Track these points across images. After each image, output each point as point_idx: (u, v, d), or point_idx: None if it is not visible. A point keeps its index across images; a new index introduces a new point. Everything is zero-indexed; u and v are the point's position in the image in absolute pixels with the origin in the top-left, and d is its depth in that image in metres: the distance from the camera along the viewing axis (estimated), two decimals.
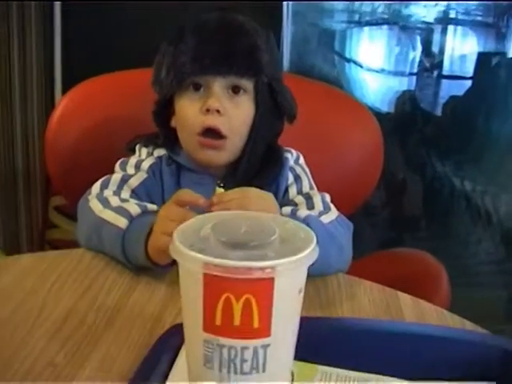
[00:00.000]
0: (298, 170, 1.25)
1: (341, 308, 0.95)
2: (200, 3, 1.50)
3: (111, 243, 1.03)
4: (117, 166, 1.23)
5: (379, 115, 2.68)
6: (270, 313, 0.56)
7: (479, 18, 2.74)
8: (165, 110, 1.22)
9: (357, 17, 2.79)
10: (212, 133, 1.15)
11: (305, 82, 1.69)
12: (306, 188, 1.23)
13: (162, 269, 0.98)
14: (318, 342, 0.76)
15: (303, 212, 1.08)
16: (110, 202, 1.09)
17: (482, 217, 2.74)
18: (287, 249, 0.57)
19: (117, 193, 1.13)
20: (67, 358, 0.78)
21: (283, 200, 1.20)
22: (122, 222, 1.03)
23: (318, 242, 0.96)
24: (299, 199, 1.19)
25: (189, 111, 1.16)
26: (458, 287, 2.36)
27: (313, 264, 0.93)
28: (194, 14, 1.20)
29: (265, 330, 0.57)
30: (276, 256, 0.56)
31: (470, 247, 2.78)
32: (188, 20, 1.18)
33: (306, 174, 1.26)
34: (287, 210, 1.10)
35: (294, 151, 1.29)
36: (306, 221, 1.04)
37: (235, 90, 1.16)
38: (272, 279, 0.55)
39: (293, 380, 0.73)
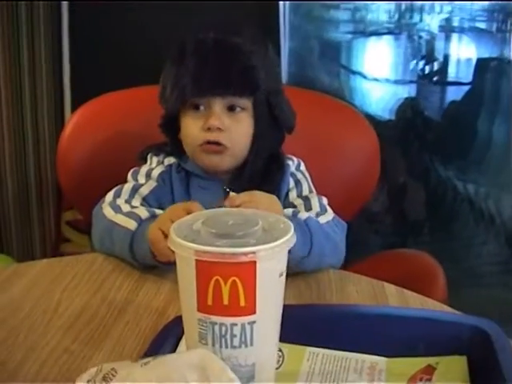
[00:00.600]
0: (299, 175, 1.34)
1: (330, 299, 1.03)
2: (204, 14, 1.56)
3: (121, 244, 1.12)
4: (129, 176, 1.32)
5: (382, 123, 2.75)
6: (255, 293, 0.65)
7: (481, 25, 2.78)
8: (172, 123, 1.30)
9: (360, 27, 2.84)
10: (214, 143, 1.24)
11: (300, 91, 1.75)
12: (305, 191, 1.31)
13: (166, 266, 1.06)
14: (307, 326, 0.85)
15: (304, 214, 1.17)
16: (122, 208, 1.18)
17: (485, 219, 2.77)
18: (268, 237, 0.66)
19: (128, 201, 1.22)
20: (82, 346, 0.88)
21: (284, 203, 1.28)
22: (132, 224, 1.12)
23: (315, 240, 1.08)
24: (298, 201, 1.27)
25: (191, 129, 1.25)
26: (464, 289, 2.42)
27: (308, 258, 1.03)
28: (194, 31, 1.26)
29: (250, 308, 0.65)
30: (257, 243, 0.64)
31: (474, 249, 2.81)
32: (188, 38, 1.25)
33: (306, 179, 1.34)
34: (289, 211, 1.18)
35: (295, 158, 1.37)
36: (306, 222, 1.13)
37: (233, 108, 1.24)
38: (254, 263, 0.64)
39: (283, 359, 0.82)
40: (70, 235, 2.43)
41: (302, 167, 1.38)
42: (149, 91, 1.69)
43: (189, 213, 1.02)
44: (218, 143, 1.24)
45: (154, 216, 1.13)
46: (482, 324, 0.83)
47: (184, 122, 1.27)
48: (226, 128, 1.23)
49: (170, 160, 1.32)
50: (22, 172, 2.39)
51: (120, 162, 1.58)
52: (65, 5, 2.32)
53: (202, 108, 1.24)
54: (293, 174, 1.33)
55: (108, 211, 1.18)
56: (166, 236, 1.02)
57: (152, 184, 1.27)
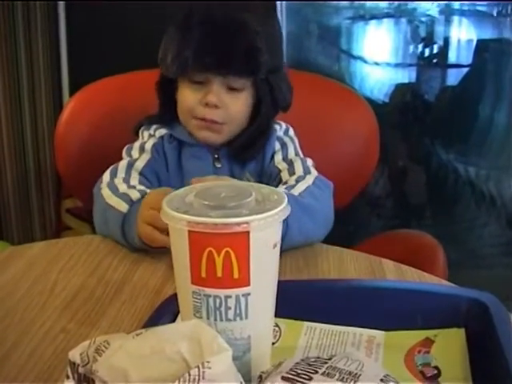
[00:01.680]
0: (286, 139, 1.34)
1: (328, 275, 1.02)
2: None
3: (114, 226, 1.12)
4: (123, 153, 1.32)
5: (381, 107, 2.75)
6: (248, 264, 0.64)
7: (482, 8, 2.77)
8: (169, 83, 1.30)
9: (359, 12, 2.84)
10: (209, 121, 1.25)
11: (298, 73, 1.74)
12: (291, 155, 1.31)
13: (157, 250, 1.07)
14: (304, 301, 0.84)
15: None
16: (119, 188, 1.17)
17: (486, 201, 2.77)
18: (261, 208, 0.65)
19: (126, 179, 1.21)
20: (78, 325, 0.87)
21: (269, 166, 1.30)
22: (124, 207, 1.12)
23: (290, 218, 1.03)
24: (282, 165, 1.28)
25: (189, 100, 1.25)
26: (465, 270, 2.42)
27: (287, 237, 1.02)
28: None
29: (244, 280, 0.65)
30: (250, 213, 0.63)
31: (476, 231, 2.81)
32: (196, 6, 1.24)
33: (292, 142, 1.35)
34: None
35: (283, 123, 1.38)
36: None
37: (232, 88, 1.24)
38: (247, 233, 0.63)
39: (280, 334, 0.81)
40: (70, 223, 2.43)
41: (291, 132, 1.38)
42: (145, 75, 1.68)
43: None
44: (214, 122, 1.24)
45: (144, 196, 1.13)
46: (480, 296, 0.82)
47: (182, 90, 1.27)
48: (223, 105, 1.23)
49: (161, 132, 1.32)
50: (21, 160, 2.39)
51: (118, 147, 1.58)
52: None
53: (202, 82, 1.24)
54: (279, 138, 1.34)
55: (105, 191, 1.18)
56: (153, 226, 1.03)
57: (146, 157, 1.28)
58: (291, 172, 1.24)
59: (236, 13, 1.22)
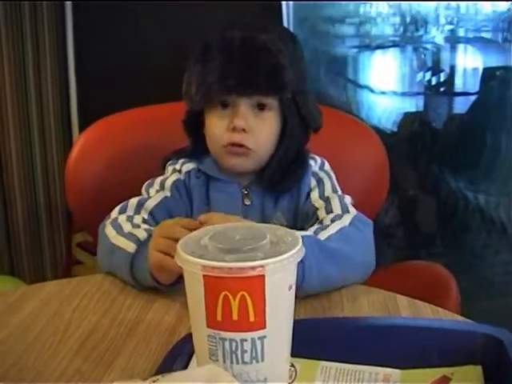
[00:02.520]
0: (322, 174, 1.31)
1: (342, 311, 1.02)
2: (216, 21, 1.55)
3: (121, 268, 1.11)
4: (143, 188, 1.31)
5: (389, 136, 2.75)
6: (264, 307, 0.64)
7: (487, 35, 2.78)
8: (196, 119, 1.30)
9: (365, 41, 2.85)
10: (238, 145, 1.23)
11: None
12: (328, 191, 1.27)
13: (167, 288, 1.06)
14: (319, 339, 0.84)
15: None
16: (123, 227, 1.16)
17: (496, 228, 2.76)
18: (276, 250, 0.65)
19: (130, 218, 1.20)
20: (92, 366, 0.87)
21: (305, 205, 1.27)
22: (131, 247, 1.10)
23: (307, 264, 1.02)
24: (319, 203, 1.24)
25: (217, 127, 1.24)
26: (478, 298, 2.41)
27: (305, 284, 1.00)
28: (219, 30, 1.24)
29: (260, 323, 0.65)
30: (265, 256, 0.64)
31: (487, 259, 2.80)
32: (213, 36, 1.23)
33: (329, 178, 1.31)
34: None
35: (318, 158, 1.35)
36: None
37: (260, 107, 1.23)
38: (263, 277, 0.63)
39: (296, 374, 0.81)
40: (81, 257, 2.43)
41: (327, 166, 1.35)
42: (155, 110, 1.72)
43: (182, 226, 1.03)
44: (241, 145, 1.22)
45: (151, 236, 1.11)
46: (495, 332, 0.82)
47: (209, 120, 1.26)
48: (250, 129, 1.22)
49: (189, 166, 1.31)
50: (32, 195, 2.39)
51: (128, 182, 1.58)
52: (68, 5, 2.33)
53: (228, 107, 1.23)
54: (315, 174, 1.30)
55: (109, 231, 1.17)
56: (166, 254, 1.02)
57: (160, 196, 1.26)
58: (328, 210, 1.20)
59: (255, 34, 1.21)
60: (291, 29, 2.35)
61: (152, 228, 1.14)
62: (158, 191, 1.28)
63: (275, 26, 1.28)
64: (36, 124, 2.36)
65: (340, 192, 1.29)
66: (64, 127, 2.43)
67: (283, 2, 2.35)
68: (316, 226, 1.14)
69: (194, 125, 1.31)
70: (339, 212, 1.19)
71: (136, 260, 1.09)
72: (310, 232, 1.11)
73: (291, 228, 1.21)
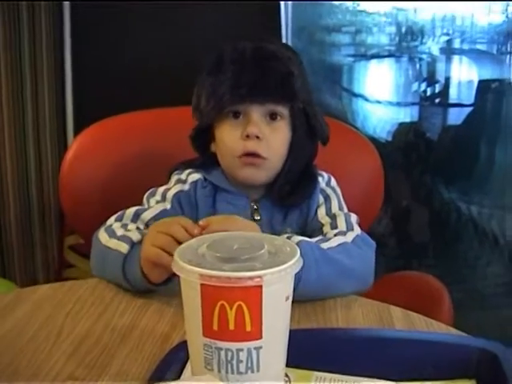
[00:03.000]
0: (329, 191, 1.31)
1: (336, 322, 1.02)
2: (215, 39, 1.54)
3: (113, 268, 1.10)
4: (144, 197, 1.29)
5: (383, 145, 2.76)
6: (261, 317, 0.64)
7: (482, 47, 2.79)
8: (203, 136, 1.30)
9: (361, 50, 2.86)
10: (252, 155, 1.23)
11: None
12: (334, 208, 1.28)
13: (157, 287, 1.06)
14: (313, 349, 0.84)
15: (296, 238, 1.10)
16: (116, 232, 1.16)
17: (489, 240, 2.77)
18: (274, 261, 0.65)
19: (124, 226, 1.19)
20: (86, 372, 0.86)
21: (312, 220, 1.27)
22: (124, 248, 1.10)
23: (307, 266, 1.02)
24: (326, 220, 1.25)
25: (230, 137, 1.23)
26: (469, 310, 2.41)
27: (302, 285, 1.00)
28: (230, 43, 1.25)
29: (257, 333, 0.65)
30: (263, 267, 0.64)
31: (479, 270, 2.80)
32: (225, 48, 1.24)
33: (336, 195, 1.31)
34: (283, 237, 1.11)
35: (325, 174, 1.35)
36: (298, 244, 1.07)
37: (272, 116, 1.23)
38: (260, 287, 0.63)
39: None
40: (72, 260, 2.42)
41: (333, 183, 1.35)
42: (150, 115, 1.72)
43: (182, 225, 1.02)
44: (256, 155, 1.22)
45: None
46: (490, 346, 0.82)
47: (221, 131, 1.25)
48: (264, 137, 1.21)
49: (195, 177, 1.30)
50: (25, 197, 2.38)
51: (122, 186, 1.59)
52: (66, 5, 2.32)
53: (240, 117, 1.22)
54: (322, 191, 1.31)
55: (103, 236, 1.17)
56: (163, 250, 1.01)
57: (159, 208, 1.24)
58: (333, 226, 1.22)
59: (264, 44, 1.23)
60: (290, 37, 2.36)
61: (145, 231, 1.14)
62: (158, 202, 1.26)
63: (278, 40, 1.29)
64: (31, 127, 2.35)
65: (346, 210, 1.30)
66: (59, 130, 2.43)
67: (281, 3, 2.35)
68: (318, 238, 1.16)
69: (202, 141, 1.31)
70: (343, 229, 1.20)
71: (128, 260, 1.09)
72: (311, 240, 1.13)
73: None
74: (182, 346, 0.75)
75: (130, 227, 1.19)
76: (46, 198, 2.42)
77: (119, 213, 1.24)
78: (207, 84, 1.23)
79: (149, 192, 1.30)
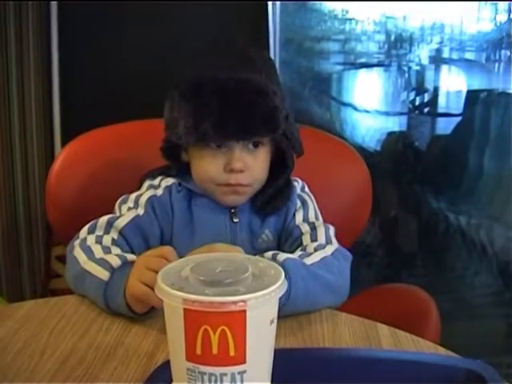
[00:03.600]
0: (306, 197, 1.33)
1: (323, 340, 1.01)
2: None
3: (94, 293, 1.09)
4: (116, 204, 1.29)
5: (372, 155, 2.75)
6: (245, 342, 0.63)
7: (471, 56, 2.79)
8: (174, 148, 1.28)
9: (350, 58, 2.86)
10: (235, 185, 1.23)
11: None
12: (311, 216, 1.29)
13: (140, 316, 1.04)
14: (300, 369, 0.83)
15: (282, 256, 1.10)
16: (94, 252, 1.13)
17: (477, 250, 2.77)
18: (258, 284, 0.65)
19: (99, 239, 1.18)
20: None
21: (289, 224, 1.28)
22: (104, 275, 1.07)
23: (294, 284, 1.04)
24: (305, 228, 1.26)
25: (211, 168, 1.22)
26: (457, 321, 2.41)
27: (289, 303, 1.01)
28: (208, 66, 1.21)
29: (240, 358, 0.64)
30: (247, 291, 0.63)
31: (467, 280, 2.80)
32: (202, 78, 1.19)
33: (312, 201, 1.34)
34: (269, 254, 1.12)
35: (299, 180, 1.37)
36: (283, 264, 1.06)
37: (255, 144, 1.23)
38: (244, 312, 0.62)
39: None
40: (60, 270, 2.40)
41: (307, 189, 1.37)
42: (138, 126, 1.71)
43: (165, 258, 1.01)
44: (239, 184, 1.23)
45: (125, 263, 1.09)
46: (477, 367, 0.81)
47: (199, 158, 1.24)
48: (247, 168, 1.22)
49: (169, 181, 1.29)
50: (12, 207, 2.37)
51: (109, 197, 1.57)
52: (54, 5, 2.30)
53: (222, 147, 1.22)
54: (299, 196, 1.32)
55: (79, 254, 1.14)
56: (148, 286, 0.99)
57: (132, 214, 1.23)
58: (313, 238, 1.22)
59: (246, 75, 1.19)
60: (277, 49, 2.36)
61: (124, 254, 1.12)
62: (130, 209, 1.25)
63: (258, 55, 1.26)
64: (18, 137, 2.33)
65: (321, 219, 1.31)
66: (46, 140, 2.41)
67: (269, 6, 2.34)
68: (300, 252, 1.17)
69: (174, 151, 1.29)
70: (323, 242, 1.21)
71: (109, 287, 1.06)
72: (295, 256, 1.13)
73: (277, 246, 1.26)
74: (167, 366, 0.74)
75: (105, 242, 1.17)
76: (33, 208, 2.41)
77: (91, 223, 1.23)
78: (185, 111, 1.19)
79: (120, 199, 1.29)
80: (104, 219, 1.23)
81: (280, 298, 0.97)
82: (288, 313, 1.04)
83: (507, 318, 2.60)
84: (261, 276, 0.67)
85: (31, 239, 2.43)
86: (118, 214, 1.25)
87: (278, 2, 2.37)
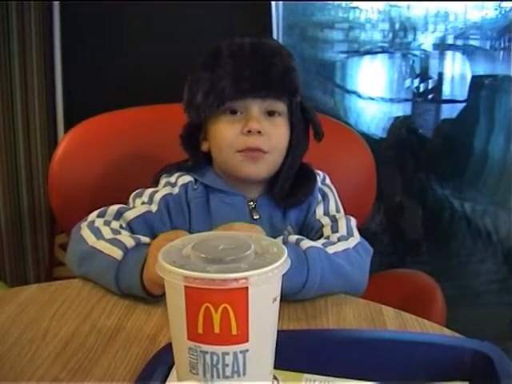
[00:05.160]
0: (326, 189, 1.30)
1: (327, 322, 1.00)
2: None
3: (103, 272, 1.07)
4: (131, 196, 1.26)
5: (376, 142, 2.74)
6: (247, 320, 0.62)
7: (475, 43, 2.78)
8: (193, 135, 1.26)
9: (354, 46, 2.85)
10: (254, 150, 1.20)
11: None
12: (332, 209, 1.27)
13: (155, 298, 1.04)
14: (303, 351, 0.82)
15: (306, 243, 1.09)
16: (103, 232, 1.12)
17: (482, 237, 2.76)
18: (260, 262, 0.63)
19: (107, 223, 1.17)
20: (70, 375, 0.84)
21: (311, 219, 1.25)
22: (118, 253, 1.06)
23: (313, 272, 1.04)
24: (326, 220, 1.23)
25: (229, 132, 1.19)
26: (462, 307, 2.40)
27: (305, 290, 1.02)
28: (226, 39, 1.22)
29: (243, 337, 0.63)
30: (249, 268, 0.62)
31: (473, 267, 2.80)
32: (220, 44, 1.21)
33: (333, 194, 1.31)
34: (292, 239, 1.11)
35: (320, 172, 1.34)
36: (306, 252, 1.06)
37: (270, 113, 1.20)
38: (246, 289, 0.61)
39: None
40: (63, 258, 2.40)
41: (328, 181, 1.34)
42: (142, 112, 1.70)
43: None
44: (257, 149, 1.19)
45: (139, 244, 1.09)
46: (484, 348, 0.80)
47: (217, 127, 1.21)
48: (265, 132, 1.19)
49: (185, 179, 1.26)
50: (15, 195, 2.36)
51: (111, 184, 1.57)
52: (56, 5, 2.30)
53: (238, 113, 1.20)
54: (319, 189, 1.29)
55: (87, 235, 1.13)
56: None
57: (143, 209, 1.21)
58: (334, 229, 1.19)
59: (264, 41, 1.21)
60: (281, 34, 2.35)
61: (137, 236, 1.11)
62: (143, 203, 1.23)
63: (272, 40, 1.28)
64: (21, 126, 2.33)
65: (343, 211, 1.29)
66: (49, 128, 2.41)
67: (273, 3, 2.33)
68: (324, 241, 1.14)
69: (193, 140, 1.27)
70: (345, 234, 1.18)
71: (123, 267, 1.05)
72: (318, 244, 1.11)
73: None
74: (169, 348, 0.73)
75: (113, 225, 1.16)
76: (37, 197, 2.41)
77: (101, 209, 1.21)
78: (204, 79, 1.19)
79: (135, 192, 1.27)
80: (114, 208, 1.21)
81: (295, 286, 1.01)
82: (299, 299, 1.04)
83: None
84: (263, 254, 0.65)
85: (35, 228, 2.43)
86: (130, 206, 1.24)
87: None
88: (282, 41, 2.39)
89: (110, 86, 2.28)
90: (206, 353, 0.63)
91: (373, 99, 2.91)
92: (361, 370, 0.80)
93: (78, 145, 1.64)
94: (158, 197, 1.23)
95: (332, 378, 0.80)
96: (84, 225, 1.17)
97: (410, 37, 2.77)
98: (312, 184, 1.27)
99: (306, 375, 0.81)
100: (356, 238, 1.18)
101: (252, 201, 1.26)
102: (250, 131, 1.18)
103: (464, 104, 2.82)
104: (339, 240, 1.14)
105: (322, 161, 1.62)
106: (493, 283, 2.72)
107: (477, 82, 2.79)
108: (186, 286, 0.61)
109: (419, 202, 2.84)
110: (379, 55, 2.87)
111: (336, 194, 1.32)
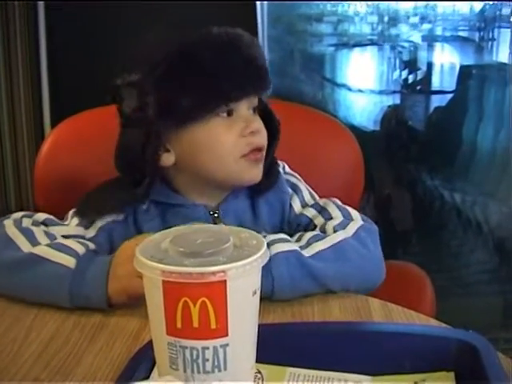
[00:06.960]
0: (293, 179, 1.22)
1: (312, 314, 0.99)
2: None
3: (51, 282, 0.98)
4: (70, 212, 1.15)
5: (367, 134, 2.74)
6: (226, 314, 0.61)
7: (463, 34, 2.78)
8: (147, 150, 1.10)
9: (343, 39, 2.84)
10: (257, 150, 1.11)
11: (282, 104, 1.71)
12: (308, 199, 1.19)
13: (111, 308, 0.99)
14: (287, 345, 0.81)
15: (276, 247, 1.02)
16: (36, 235, 1.03)
17: (472, 227, 2.76)
18: (239, 254, 0.62)
19: (36, 223, 1.08)
20: (52, 374, 0.83)
21: (291, 216, 1.17)
22: (69, 261, 0.98)
23: (284, 276, 0.99)
24: (311, 212, 1.16)
25: (228, 137, 1.08)
26: (452, 297, 2.40)
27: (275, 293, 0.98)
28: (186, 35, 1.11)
29: (222, 331, 0.62)
30: (227, 261, 0.61)
31: (463, 258, 2.80)
32: (191, 42, 1.09)
33: (300, 181, 1.23)
34: (267, 240, 1.02)
35: (278, 161, 1.23)
36: (272, 258, 0.98)
37: (254, 109, 1.12)
38: (224, 282, 0.60)
39: (262, 381, 0.78)
40: None
41: (287, 169, 1.26)
42: None
43: None
44: (261, 149, 1.11)
45: (88, 250, 1.02)
46: (469, 338, 0.79)
47: (210, 133, 1.08)
48: (261, 129, 1.12)
49: (119, 216, 1.13)
50: (2, 193, 2.35)
51: (98, 180, 1.55)
52: (41, 5, 2.28)
53: (233, 114, 1.09)
54: (286, 180, 1.21)
55: (17, 236, 1.02)
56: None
57: (76, 232, 1.10)
58: (327, 217, 1.12)
59: (234, 30, 1.10)
60: (265, 27, 2.34)
61: (83, 241, 1.05)
62: (78, 225, 1.11)
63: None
64: (7, 121, 2.32)
65: (316, 195, 1.22)
66: (36, 125, 2.39)
67: (257, 2, 2.32)
68: (305, 241, 1.06)
69: (149, 155, 1.09)
70: (342, 219, 1.11)
71: (78, 276, 0.97)
72: (296, 246, 1.04)
73: None
74: (151, 346, 0.72)
75: (44, 228, 1.07)
76: (24, 193, 2.39)
77: (27, 212, 1.12)
78: (188, 81, 1.06)
79: (78, 209, 1.15)
80: (41, 216, 1.11)
81: (265, 292, 0.95)
82: (283, 299, 1.01)
83: (503, 295, 2.59)
84: (242, 246, 0.64)
85: None
86: (66, 222, 1.13)
87: None
88: (267, 34, 2.38)
89: (96, 83, 2.27)
90: (186, 348, 0.62)
91: (362, 91, 2.91)
92: (345, 362, 0.79)
93: (63, 142, 1.63)
94: (99, 223, 1.11)
95: (316, 372, 0.79)
96: (9, 222, 1.06)
97: (399, 29, 2.77)
98: (274, 171, 1.18)
99: (290, 369, 0.80)
100: (356, 221, 1.10)
101: (212, 210, 1.16)
102: (252, 132, 1.09)
103: (453, 95, 2.82)
104: (335, 230, 1.06)
105: (307, 153, 1.61)
106: (483, 273, 2.73)
107: (465, 72, 2.80)
108: (163, 281, 0.60)
109: (409, 192, 2.83)
110: (368, 47, 2.87)
111: (302, 180, 1.23)
